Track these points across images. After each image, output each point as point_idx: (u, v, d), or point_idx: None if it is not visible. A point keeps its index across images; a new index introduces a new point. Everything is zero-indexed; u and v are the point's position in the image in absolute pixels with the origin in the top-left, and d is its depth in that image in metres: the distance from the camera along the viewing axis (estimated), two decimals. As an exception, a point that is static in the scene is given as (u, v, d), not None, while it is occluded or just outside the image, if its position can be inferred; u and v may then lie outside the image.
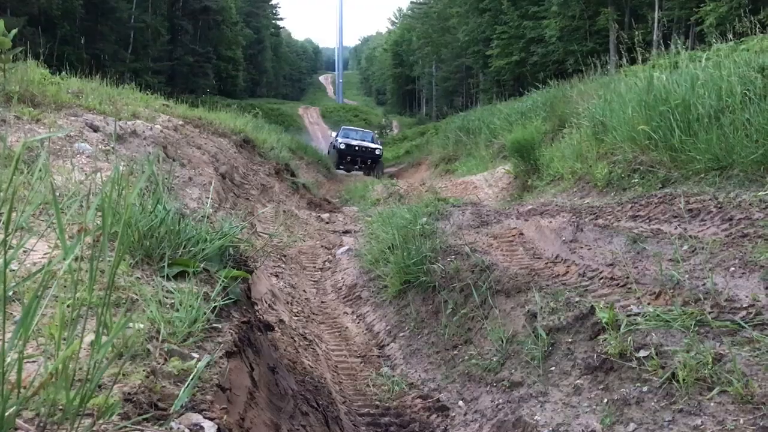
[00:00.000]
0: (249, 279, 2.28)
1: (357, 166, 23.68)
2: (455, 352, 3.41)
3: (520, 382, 2.73)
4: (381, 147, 25.18)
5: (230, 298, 1.90)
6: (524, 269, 3.51)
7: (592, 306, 2.67)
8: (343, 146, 23.73)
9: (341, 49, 50.17)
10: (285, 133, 19.78)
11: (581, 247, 3.46)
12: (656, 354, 2.19)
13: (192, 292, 1.72)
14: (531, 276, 3.36)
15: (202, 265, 1.97)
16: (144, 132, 6.19)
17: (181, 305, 1.66)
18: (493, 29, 42.69)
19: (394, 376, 3.48)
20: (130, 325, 1.49)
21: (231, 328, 1.72)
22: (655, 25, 31.57)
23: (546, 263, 3.50)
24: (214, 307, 1.73)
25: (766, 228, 3.23)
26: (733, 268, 2.55)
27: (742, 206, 3.59)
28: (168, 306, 1.69)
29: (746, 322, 2.15)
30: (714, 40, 27.93)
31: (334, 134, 27.05)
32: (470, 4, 46.07)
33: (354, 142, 24.02)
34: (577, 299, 2.82)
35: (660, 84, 5.52)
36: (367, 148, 23.92)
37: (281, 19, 76.54)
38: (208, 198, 5.76)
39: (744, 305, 2.26)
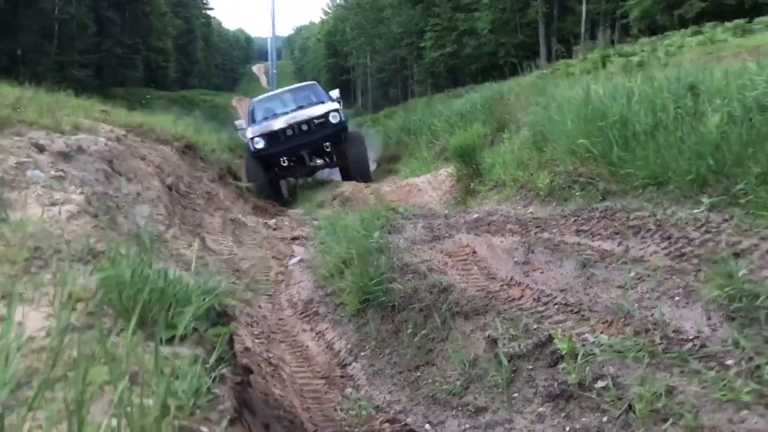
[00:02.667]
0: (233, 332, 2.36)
1: (311, 166, 12.35)
2: (418, 373, 3.56)
3: (484, 407, 2.89)
4: (340, 109, 12.21)
5: (223, 358, 1.97)
6: (481, 291, 3.69)
7: (549, 334, 2.86)
8: (262, 143, 11.69)
9: (274, 39, 49.72)
10: (218, 124, 19.06)
11: (534, 270, 3.66)
12: (613, 385, 2.39)
13: (191, 359, 1.80)
14: (488, 299, 3.54)
15: (192, 326, 2.04)
16: (89, 147, 6.09)
17: (183, 374, 1.74)
18: (426, 21, 43.15)
19: (359, 399, 3.61)
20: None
21: (228, 393, 1.81)
22: (583, 18, 32.55)
23: (501, 285, 3.68)
24: (215, 376, 1.81)
25: (701, 247, 3.50)
26: (677, 297, 2.77)
27: (679, 225, 3.86)
28: (170, 375, 1.76)
29: (693, 355, 2.37)
30: (638, 31, 28.84)
31: (240, 121, 13.81)
32: (404, -3, 46.20)
33: (282, 122, 11.81)
34: (535, 326, 3.01)
35: (597, 98, 5.80)
36: (312, 121, 11.71)
37: (211, 8, 75.23)
38: (160, 215, 5.75)
39: (690, 337, 2.47)
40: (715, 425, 2.04)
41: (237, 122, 13.85)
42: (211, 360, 1.85)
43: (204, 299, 2.14)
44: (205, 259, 5.60)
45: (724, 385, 2.17)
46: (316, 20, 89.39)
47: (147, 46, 48.27)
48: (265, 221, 9.13)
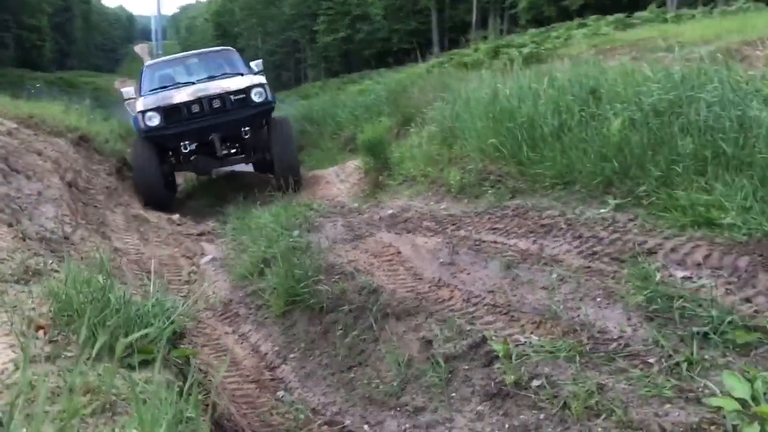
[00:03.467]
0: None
1: (222, 156, 9.43)
2: (352, 374, 3.65)
3: (423, 407, 3.03)
4: (266, 84, 9.31)
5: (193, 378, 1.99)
6: (410, 292, 3.83)
7: (483, 335, 3.04)
8: (158, 119, 8.72)
9: (159, 18, 47.90)
10: (104, 110, 17.92)
11: (460, 272, 3.84)
12: (548, 384, 2.58)
13: (164, 385, 1.81)
14: (418, 300, 3.68)
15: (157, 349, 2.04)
16: (-19, 144, 5.74)
17: (160, 401, 1.75)
18: (318, 4, 42.85)
19: (294, 402, 3.67)
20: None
21: (205, 417, 1.84)
22: (474, 6, 33.43)
23: (430, 286, 3.84)
24: (188, 401, 1.83)
25: (610, 246, 3.79)
26: (599, 299, 3.02)
27: (588, 224, 4.15)
28: (144, 402, 1.77)
29: (618, 354, 2.60)
30: (526, 22, 29.95)
31: (128, 89, 10.20)
32: (296, -21, 45.59)
33: (187, 94, 8.88)
34: (468, 327, 3.18)
35: (504, 97, 6.07)
36: (227, 96, 8.86)
37: (90, -16, 71.18)
38: (65, 215, 5.53)
39: (614, 337, 2.71)
40: (643, 419, 2.26)
41: (124, 90, 10.12)
42: (187, 386, 1.87)
43: (164, 321, 2.14)
44: (117, 261, 5.43)
45: (649, 382, 2.41)
46: None
47: (18, 23, 45.14)
48: (168, 216, 8.90)
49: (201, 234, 7.93)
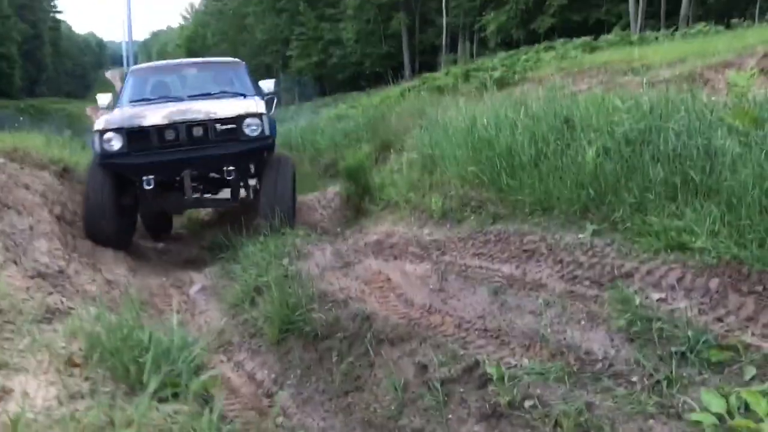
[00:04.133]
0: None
1: (193, 199, 7.45)
2: (349, 399, 3.81)
3: (421, 429, 3.20)
4: (267, 114, 7.13)
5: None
6: (403, 318, 4.01)
7: (476, 359, 3.23)
8: (119, 142, 6.76)
9: (131, 44, 47.69)
10: (78, 137, 17.73)
11: (450, 298, 4.04)
12: (540, 404, 2.78)
13: (194, 416, 1.97)
14: (411, 326, 3.87)
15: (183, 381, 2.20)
16: (-28, 181, 5.83)
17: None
18: (291, 30, 43.23)
19: (294, 427, 3.81)
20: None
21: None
22: (444, 30, 34.04)
23: (421, 313, 4.02)
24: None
25: (590, 270, 4.02)
26: (583, 322, 3.23)
27: (568, 249, 4.38)
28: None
29: (603, 374, 2.81)
30: (495, 45, 30.53)
31: (103, 101, 8.27)
32: (266, 4, 46.05)
33: (161, 115, 6.79)
34: (462, 352, 3.36)
35: (482, 127, 6.31)
36: (211, 124, 6.76)
37: (60, 11, 70.82)
38: (58, 249, 5.63)
39: (599, 357, 2.92)
40: (630, 435, 2.47)
41: (100, 97, 8.43)
42: (215, 416, 2.03)
43: (188, 355, 2.31)
44: (111, 293, 5.55)
45: (633, 399, 2.62)
46: (174, 25, 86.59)
47: (-12, 52, 45.00)
48: (154, 245, 8.99)
49: (187, 262, 8.04)
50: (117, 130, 6.77)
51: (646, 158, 4.60)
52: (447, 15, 33.27)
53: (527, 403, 2.82)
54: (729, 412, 2.33)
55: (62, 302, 2.74)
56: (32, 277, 3.37)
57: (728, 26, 16.55)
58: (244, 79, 8.48)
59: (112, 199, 7.02)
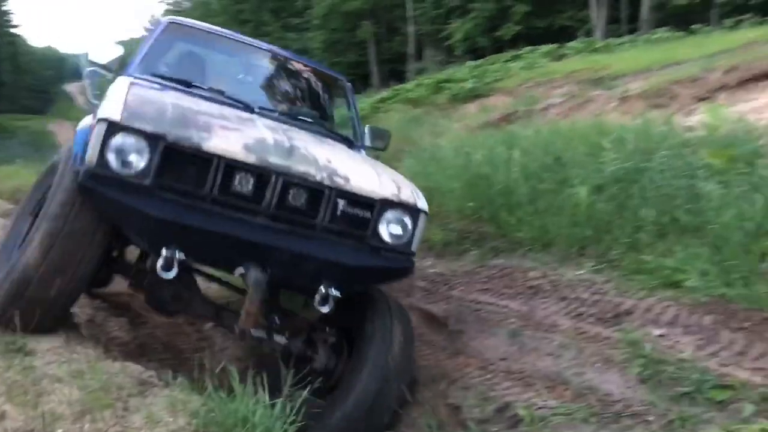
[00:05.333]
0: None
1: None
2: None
3: (461, 467, 3.62)
4: (422, 210, 3.64)
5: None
6: (430, 361, 4.41)
7: (506, 402, 3.65)
8: (143, 161, 2.85)
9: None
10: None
11: (471, 340, 4.45)
12: (571, 443, 3.21)
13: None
14: (439, 368, 4.27)
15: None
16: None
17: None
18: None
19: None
20: None
21: None
22: (410, 39, 34.46)
23: (448, 355, 4.43)
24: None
25: (593, 307, 4.46)
26: (598, 364, 3.67)
27: (570, 285, 4.81)
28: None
29: (623, 414, 3.25)
30: (462, 53, 30.96)
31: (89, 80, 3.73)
32: (230, 14, 45.96)
33: (263, 141, 3.18)
34: (491, 393, 3.78)
35: (477, 164, 6.73)
36: (332, 194, 3.24)
37: (16, 26, 69.67)
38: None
39: (617, 398, 3.35)
40: (653, 469, 2.90)
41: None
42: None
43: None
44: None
45: (651, 437, 3.06)
46: (137, 36, 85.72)
47: (-58, 70, 44.22)
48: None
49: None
50: (145, 136, 2.97)
51: (636, 198, 5.03)
52: (414, 24, 33.73)
53: (559, 443, 3.25)
54: (735, 449, 2.78)
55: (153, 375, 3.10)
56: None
57: (689, 31, 17.16)
58: (346, 105, 5.35)
59: (93, 264, 3.20)
